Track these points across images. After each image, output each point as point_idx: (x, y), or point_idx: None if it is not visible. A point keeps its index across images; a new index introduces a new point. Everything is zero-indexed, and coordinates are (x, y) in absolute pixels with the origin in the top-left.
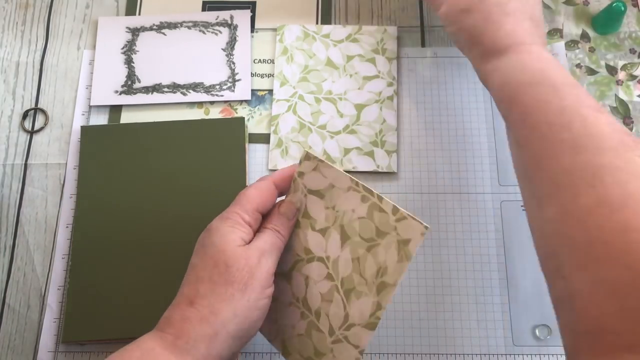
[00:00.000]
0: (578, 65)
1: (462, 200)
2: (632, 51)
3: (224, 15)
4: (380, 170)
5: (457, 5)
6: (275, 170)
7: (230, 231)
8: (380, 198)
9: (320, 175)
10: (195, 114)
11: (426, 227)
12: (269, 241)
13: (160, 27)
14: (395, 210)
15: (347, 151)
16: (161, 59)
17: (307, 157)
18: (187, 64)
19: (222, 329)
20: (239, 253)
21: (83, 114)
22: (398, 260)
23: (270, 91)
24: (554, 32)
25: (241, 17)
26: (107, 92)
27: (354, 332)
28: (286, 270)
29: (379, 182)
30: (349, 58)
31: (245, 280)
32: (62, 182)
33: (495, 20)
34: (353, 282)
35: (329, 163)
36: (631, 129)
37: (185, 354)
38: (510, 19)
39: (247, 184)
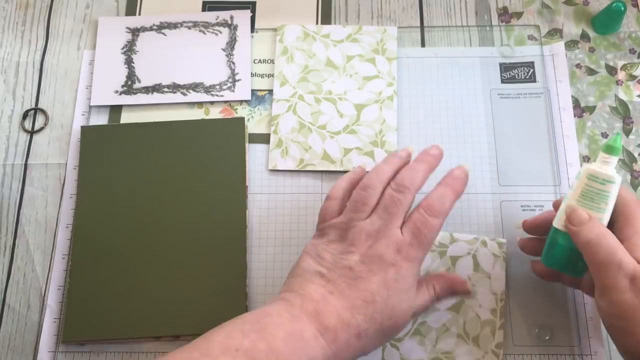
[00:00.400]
0: (578, 66)
1: (462, 200)
2: (632, 51)
3: (224, 15)
4: None
5: None
6: (275, 170)
7: (415, 299)
8: (501, 327)
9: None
10: (195, 114)
11: None
12: (425, 307)
13: (160, 27)
14: (499, 345)
15: (347, 151)
16: (161, 59)
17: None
18: (187, 64)
19: None
20: (409, 319)
21: (83, 114)
22: None
23: (270, 91)
24: (554, 32)
25: (241, 17)
26: (107, 92)
27: None
28: None
29: None
30: (349, 58)
31: (396, 334)
32: (62, 182)
33: None
34: (430, 332)
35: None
36: (631, 129)
37: None
38: None
39: (247, 184)
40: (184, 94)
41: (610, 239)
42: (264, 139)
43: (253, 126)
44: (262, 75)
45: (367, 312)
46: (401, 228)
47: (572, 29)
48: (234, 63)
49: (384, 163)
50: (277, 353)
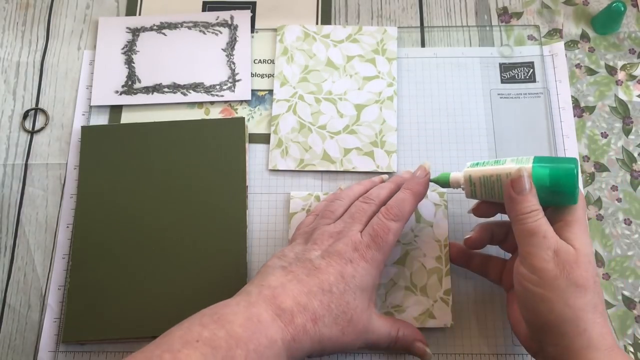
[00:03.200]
0: (578, 66)
1: (462, 200)
2: (632, 51)
3: (224, 15)
4: (380, 170)
5: (575, 277)
6: (275, 170)
7: (373, 312)
8: (447, 273)
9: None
10: (196, 114)
11: (451, 326)
12: (379, 338)
13: (161, 28)
14: (447, 292)
15: (347, 151)
16: (161, 59)
17: None
18: (188, 64)
19: None
20: (363, 326)
21: (83, 114)
22: (415, 317)
23: (271, 91)
24: (554, 32)
25: (241, 18)
26: (107, 92)
27: None
28: None
29: None
30: (349, 58)
31: (353, 341)
32: (62, 182)
33: (602, 312)
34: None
35: None
36: (630, 129)
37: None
38: (603, 318)
39: (247, 184)
40: (184, 94)
41: (540, 212)
42: (264, 139)
43: (253, 126)
44: (262, 76)
45: (324, 299)
46: (361, 232)
47: (572, 29)
48: (234, 63)
49: (358, 184)
50: (237, 338)
